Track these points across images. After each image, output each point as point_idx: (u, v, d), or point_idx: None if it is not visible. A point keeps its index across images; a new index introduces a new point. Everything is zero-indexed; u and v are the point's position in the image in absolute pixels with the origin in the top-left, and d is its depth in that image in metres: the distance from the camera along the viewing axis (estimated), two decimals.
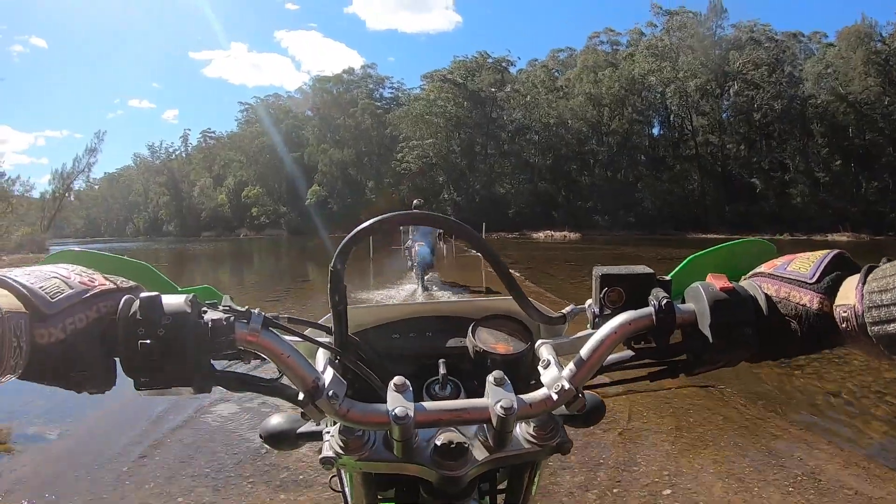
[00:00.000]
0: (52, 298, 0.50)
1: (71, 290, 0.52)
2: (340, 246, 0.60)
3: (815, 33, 51.78)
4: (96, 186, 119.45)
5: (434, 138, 56.42)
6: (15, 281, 0.49)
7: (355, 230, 0.61)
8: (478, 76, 58.00)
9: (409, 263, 10.67)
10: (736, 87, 49.21)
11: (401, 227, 11.24)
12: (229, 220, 74.33)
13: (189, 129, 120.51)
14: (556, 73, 60.27)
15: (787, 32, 51.40)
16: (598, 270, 0.65)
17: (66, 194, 61.79)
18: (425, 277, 10.24)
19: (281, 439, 0.82)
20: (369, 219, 0.61)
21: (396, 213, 0.64)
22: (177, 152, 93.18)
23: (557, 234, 45.19)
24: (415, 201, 10.67)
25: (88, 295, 0.53)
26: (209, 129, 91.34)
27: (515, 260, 18.41)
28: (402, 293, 9.82)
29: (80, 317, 0.52)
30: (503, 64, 59.77)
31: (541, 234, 45.92)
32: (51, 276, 0.52)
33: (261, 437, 0.83)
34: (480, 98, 56.89)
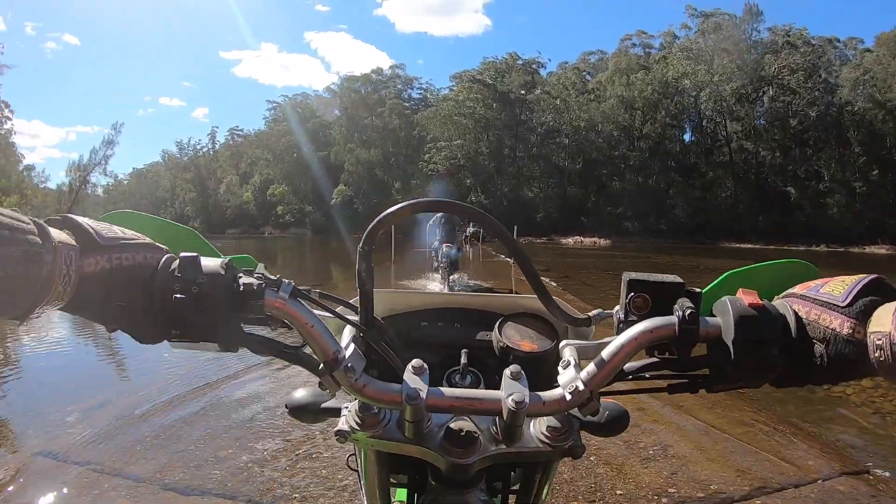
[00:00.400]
0: (105, 234, 0.55)
1: (122, 234, 0.57)
2: (369, 228, 0.60)
3: (851, 39, 50.49)
4: (125, 182, 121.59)
5: (462, 139, 56.07)
6: (74, 218, 0.54)
7: (385, 213, 0.61)
8: (507, 78, 57.61)
9: (435, 264, 10.52)
10: (771, 92, 48.19)
11: (427, 226, 10.42)
12: (254, 217, 74.66)
13: (217, 127, 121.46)
14: (586, 77, 59.72)
15: (823, 38, 50.30)
16: (627, 276, 0.65)
17: (84, 186, 62.18)
18: (451, 278, 10.07)
19: (304, 412, 0.84)
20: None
21: (425, 199, 0.65)
22: (204, 149, 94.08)
23: (587, 240, 44.65)
24: None
25: (137, 242, 0.58)
26: (237, 126, 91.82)
27: (547, 267, 17.83)
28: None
29: (126, 255, 0.56)
30: (533, 66, 59.38)
31: (570, 240, 45.34)
32: (106, 224, 0.58)
33: (286, 407, 0.86)
34: (510, 100, 56.42)
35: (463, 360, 0.75)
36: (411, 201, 0.62)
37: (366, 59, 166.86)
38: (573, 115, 55.03)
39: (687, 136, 55.23)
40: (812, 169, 47.14)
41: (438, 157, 55.83)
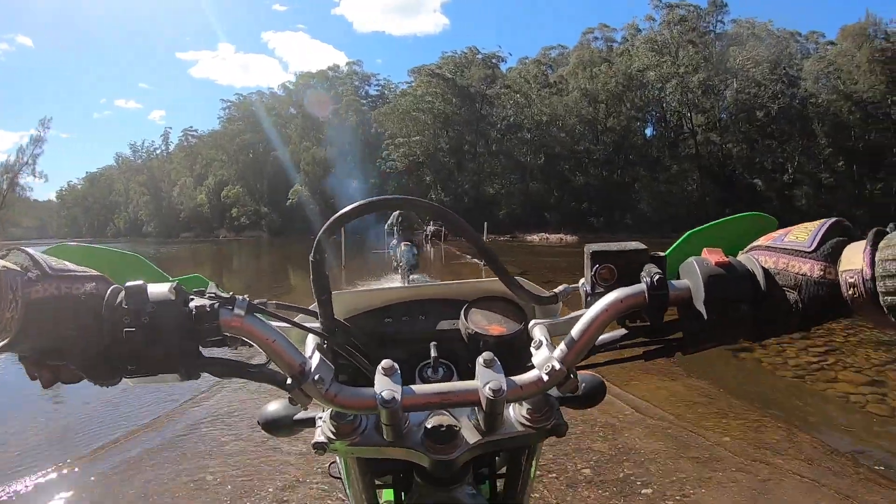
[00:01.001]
0: (53, 264, 0.53)
1: (70, 266, 0.55)
2: (319, 234, 0.59)
3: (813, 33, 50.48)
4: (79, 186, 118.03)
5: (421, 136, 53.92)
6: (22, 249, 0.53)
7: (333, 217, 0.60)
8: (467, 72, 55.74)
9: (394, 264, 9.81)
10: (737, 84, 47.41)
11: (385, 226, 9.50)
12: (209, 220, 71.70)
13: (170, 128, 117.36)
14: (548, 71, 58.24)
15: (785, 31, 49.83)
16: (590, 248, 0.63)
17: (13, 189, 58.54)
18: (411, 278, 9.08)
19: (278, 426, 0.82)
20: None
21: (381, 197, 0.62)
22: (158, 151, 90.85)
23: (553, 237, 43.01)
24: None
25: (84, 274, 0.56)
26: (191, 127, 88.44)
27: (524, 269, 16.04)
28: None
29: (76, 285, 0.53)
30: (493, 60, 57.59)
31: (535, 237, 43.75)
32: (54, 257, 0.56)
33: (258, 423, 0.83)
34: (470, 94, 54.48)
35: (433, 353, 0.74)
36: (365, 200, 0.60)
37: (324, 58, 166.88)
38: (535, 109, 53.37)
39: (650, 130, 54.43)
40: (778, 161, 46.67)
41: (397, 154, 53.60)
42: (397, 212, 9.01)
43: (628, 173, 50.74)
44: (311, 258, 0.59)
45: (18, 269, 0.50)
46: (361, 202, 0.59)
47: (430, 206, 0.63)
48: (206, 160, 75.62)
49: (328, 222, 0.59)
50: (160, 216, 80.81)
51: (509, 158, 54.09)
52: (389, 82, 68.55)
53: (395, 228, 9.56)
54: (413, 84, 58.68)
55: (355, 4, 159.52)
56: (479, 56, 57.21)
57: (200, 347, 0.57)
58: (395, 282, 9.81)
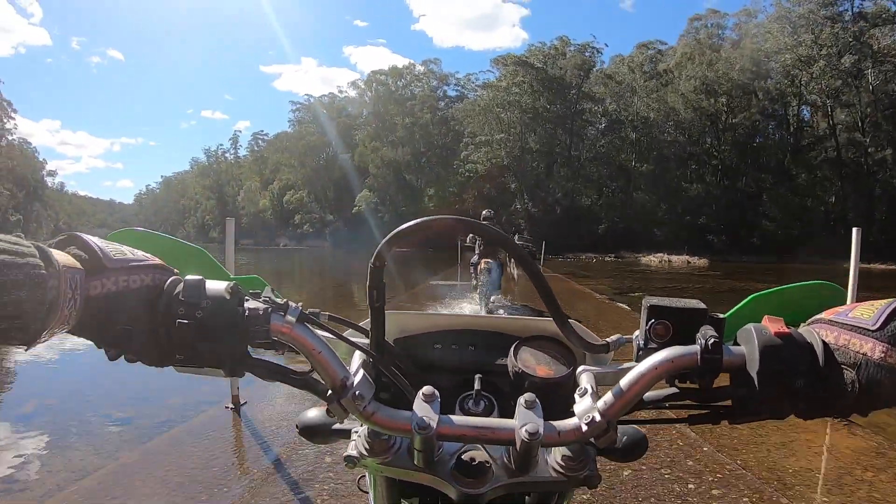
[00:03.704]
0: (113, 255, 0.55)
1: (131, 255, 0.57)
2: (380, 245, 0.60)
3: None
4: (156, 190, 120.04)
5: (506, 133, 46.31)
6: (83, 237, 0.54)
7: (395, 231, 0.61)
8: (560, 62, 48.14)
9: (474, 283, 9.77)
10: (883, 73, 38.48)
11: (464, 242, 10.82)
12: (272, 227, 67.37)
13: (240, 131, 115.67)
14: (651, 65, 49.50)
15: None
16: (648, 301, 0.63)
17: None
18: (491, 299, 9.31)
19: (315, 432, 0.84)
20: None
21: (437, 216, 0.62)
22: (226, 154, 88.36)
23: (676, 259, 35.23)
24: (483, 212, 9.74)
25: (144, 263, 0.57)
26: (261, 131, 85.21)
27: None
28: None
29: (134, 278, 0.56)
30: (588, 51, 49.29)
31: (652, 258, 36.21)
32: (115, 245, 0.57)
33: (296, 427, 0.85)
34: (563, 85, 46.67)
35: (476, 385, 0.75)
36: (420, 220, 0.61)
37: None
38: (641, 103, 45.25)
39: (778, 129, 44.89)
40: None
41: (477, 155, 46.62)
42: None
43: (754, 181, 42.06)
44: (370, 265, 0.60)
45: (79, 265, 0.52)
46: (424, 219, 0.61)
47: (483, 229, 0.62)
48: (274, 164, 71.66)
49: (388, 236, 0.60)
50: (224, 221, 77.41)
51: (610, 163, 46.06)
52: (471, 79, 59.92)
53: (476, 242, 9.57)
54: (497, 77, 51.03)
55: (435, 20, 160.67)
56: (572, 48, 49.33)
57: (249, 348, 0.59)
58: (473, 303, 10.03)
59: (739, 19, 46.92)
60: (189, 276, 0.57)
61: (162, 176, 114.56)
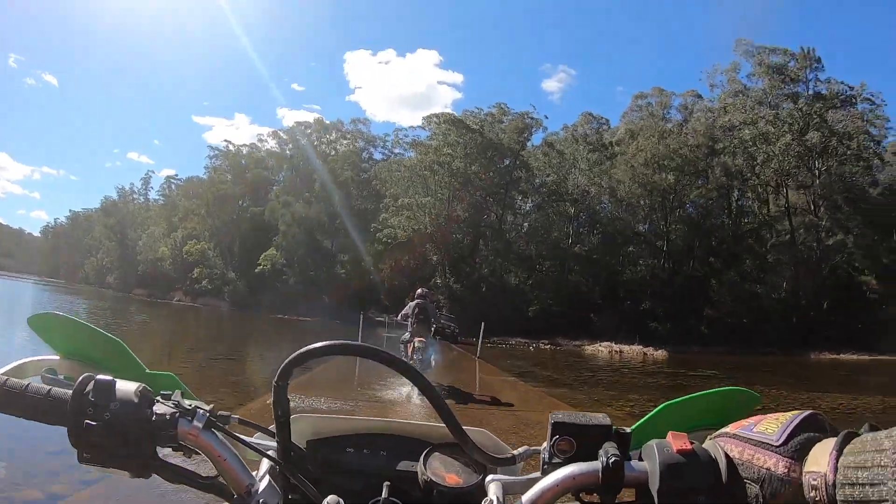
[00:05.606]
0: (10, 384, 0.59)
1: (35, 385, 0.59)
2: (283, 365, 0.61)
3: None
4: (65, 224, 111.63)
5: (433, 197, 40.96)
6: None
7: (296, 353, 0.61)
8: (497, 127, 43.52)
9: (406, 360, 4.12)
10: (836, 156, 36.53)
11: (397, 319, 10.77)
12: (171, 279, 59.46)
13: (152, 172, 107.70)
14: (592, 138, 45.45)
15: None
16: (554, 417, 0.64)
17: None
18: None
19: None
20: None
21: (344, 342, 0.63)
22: (135, 195, 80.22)
23: (629, 350, 30.46)
24: (418, 290, 10.10)
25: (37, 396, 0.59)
26: (175, 175, 77.41)
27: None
28: (391, 394, 8.84)
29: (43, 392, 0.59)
30: (527, 119, 44.13)
31: (599, 347, 31.63)
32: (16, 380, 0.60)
33: None
34: (500, 151, 41.94)
35: (384, 493, 0.72)
36: (327, 343, 0.61)
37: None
38: (583, 176, 41.07)
39: (726, 209, 41.63)
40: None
41: (398, 220, 41.00)
42: (415, 301, 9.50)
43: (702, 264, 38.42)
44: (274, 383, 0.60)
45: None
46: (326, 343, 0.61)
47: (392, 361, 0.62)
48: (184, 211, 64.21)
49: (291, 357, 0.60)
50: (123, 267, 70.13)
51: (545, 237, 41.44)
52: (399, 139, 53.76)
53: (411, 320, 9.49)
54: (427, 136, 45.76)
55: (371, 93, 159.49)
56: (508, 118, 44.54)
57: (158, 448, 0.59)
58: (403, 381, 9.44)
59: (685, 99, 44.07)
60: (100, 377, 0.56)
61: (71, 210, 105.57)
